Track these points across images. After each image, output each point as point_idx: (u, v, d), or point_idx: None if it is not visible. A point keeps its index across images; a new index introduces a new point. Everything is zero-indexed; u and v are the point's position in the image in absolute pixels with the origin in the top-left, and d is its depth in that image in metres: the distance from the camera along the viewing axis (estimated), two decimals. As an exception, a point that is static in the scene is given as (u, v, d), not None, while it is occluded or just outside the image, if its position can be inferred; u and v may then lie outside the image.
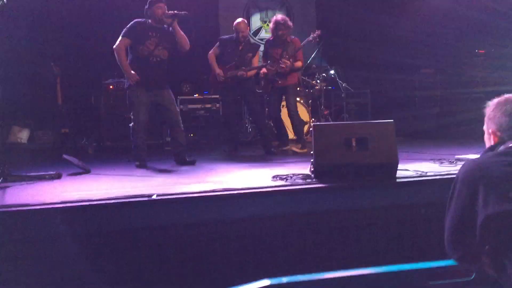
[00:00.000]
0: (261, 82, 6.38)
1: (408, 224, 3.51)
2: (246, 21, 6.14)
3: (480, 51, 8.25)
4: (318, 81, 7.43)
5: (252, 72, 6.06)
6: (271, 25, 6.09)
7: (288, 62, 5.83)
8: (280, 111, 6.30)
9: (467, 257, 1.74)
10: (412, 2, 8.47)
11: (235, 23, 6.02)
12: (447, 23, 8.30)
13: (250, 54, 6.07)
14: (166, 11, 4.85)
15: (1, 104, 4.15)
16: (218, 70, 5.95)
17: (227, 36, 6.22)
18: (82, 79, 7.41)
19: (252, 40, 6.43)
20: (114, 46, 4.86)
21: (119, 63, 4.88)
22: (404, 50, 8.50)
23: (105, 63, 7.12)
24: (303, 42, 6.03)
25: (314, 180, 3.68)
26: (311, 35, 6.03)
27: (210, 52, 6.10)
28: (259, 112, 6.26)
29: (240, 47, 6.01)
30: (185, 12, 4.85)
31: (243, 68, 5.93)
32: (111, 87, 6.99)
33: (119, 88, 6.88)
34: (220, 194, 3.38)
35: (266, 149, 6.03)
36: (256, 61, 6.19)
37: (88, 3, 7.45)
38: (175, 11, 4.82)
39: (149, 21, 4.93)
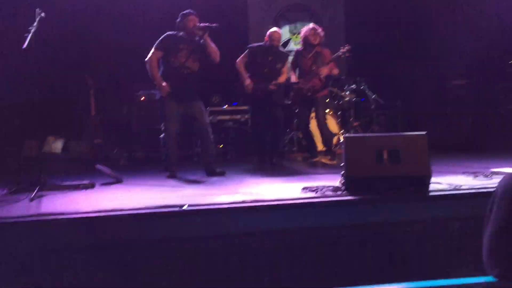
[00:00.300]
0: (290, 94, 6.34)
1: (441, 239, 3.44)
2: (280, 32, 6.04)
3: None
4: (347, 92, 7.38)
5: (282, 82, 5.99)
6: (301, 34, 6.06)
7: (326, 69, 5.85)
8: (309, 122, 6.28)
9: (507, 273, 1.69)
10: (443, 14, 8.36)
11: (269, 31, 5.90)
12: (479, 33, 8.15)
13: (280, 64, 5.96)
14: (198, 23, 4.92)
15: (37, 115, 4.25)
16: (247, 81, 5.82)
17: (256, 45, 6.07)
18: (114, 91, 7.57)
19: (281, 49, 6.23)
20: (146, 59, 4.95)
21: (150, 75, 4.97)
22: (435, 61, 8.38)
23: (137, 75, 7.27)
24: (333, 57, 5.96)
25: (344, 192, 3.65)
26: (341, 50, 5.93)
27: (238, 60, 5.95)
28: (281, 125, 6.14)
29: (270, 57, 5.91)
30: (216, 24, 4.91)
31: (274, 82, 5.85)
32: (142, 98, 7.11)
33: (150, 100, 6.99)
34: (250, 206, 3.39)
35: (272, 160, 6.02)
36: (286, 70, 6.09)
37: (120, 17, 7.62)
38: (207, 24, 4.89)
39: (181, 33, 5.01)
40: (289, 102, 6.55)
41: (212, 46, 4.99)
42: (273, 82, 5.83)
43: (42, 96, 4.29)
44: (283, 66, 5.99)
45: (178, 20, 5.00)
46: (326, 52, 5.99)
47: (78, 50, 7.49)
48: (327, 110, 7.29)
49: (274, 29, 5.96)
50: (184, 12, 4.99)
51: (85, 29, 7.48)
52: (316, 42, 5.90)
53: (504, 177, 1.76)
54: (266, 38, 5.88)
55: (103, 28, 7.61)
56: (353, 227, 3.39)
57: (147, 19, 7.50)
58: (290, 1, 9.18)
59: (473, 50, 8.24)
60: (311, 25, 6.11)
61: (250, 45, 6.13)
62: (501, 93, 7.94)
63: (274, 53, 5.91)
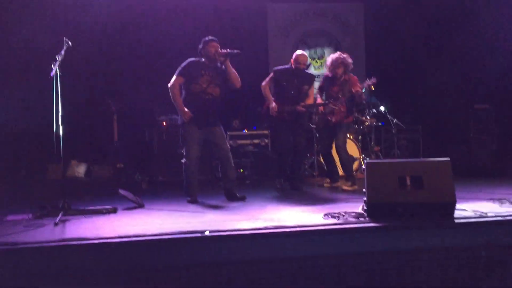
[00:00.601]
0: (314, 118, 6.30)
1: (467, 267, 3.36)
2: (306, 54, 5.91)
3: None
4: (368, 117, 7.37)
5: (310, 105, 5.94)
6: (327, 62, 5.99)
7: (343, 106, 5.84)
8: (331, 147, 6.24)
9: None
10: (464, 39, 8.34)
11: (295, 54, 5.81)
12: (501, 57, 8.10)
13: (307, 86, 5.85)
14: (219, 50, 5.00)
15: (61, 140, 4.34)
16: (272, 104, 5.74)
17: (282, 67, 5.94)
18: (137, 116, 7.69)
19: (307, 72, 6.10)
20: (169, 85, 5.03)
21: (173, 101, 5.04)
22: (457, 85, 8.34)
23: (159, 100, 7.40)
24: (359, 87, 5.80)
25: (367, 219, 3.62)
26: (366, 83, 5.74)
27: (263, 84, 5.90)
28: (303, 149, 6.04)
29: (296, 80, 5.80)
30: (237, 50, 4.98)
31: (303, 104, 5.79)
32: (164, 123, 7.21)
33: (172, 125, 7.09)
34: (272, 232, 3.38)
35: (291, 184, 5.93)
36: (312, 92, 6.00)
37: (143, 44, 7.81)
38: (228, 50, 4.96)
39: (203, 59, 5.09)
40: (313, 127, 6.53)
41: (233, 72, 5.05)
42: (301, 104, 5.77)
43: (66, 120, 4.39)
44: (309, 88, 5.90)
45: (200, 46, 5.09)
46: (354, 79, 5.89)
47: (102, 76, 7.69)
48: (348, 135, 7.29)
49: (299, 52, 5.85)
50: (206, 38, 5.07)
51: (109, 56, 7.69)
52: (344, 69, 5.85)
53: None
54: (291, 60, 5.80)
55: (126, 54, 7.82)
56: (376, 254, 3.35)
57: (168, 45, 7.67)
58: (310, 26, 9.29)
59: (495, 74, 8.18)
60: (337, 53, 6.02)
61: (275, 68, 6.01)
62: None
63: (300, 75, 5.81)
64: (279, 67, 5.98)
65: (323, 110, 6.04)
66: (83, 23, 7.20)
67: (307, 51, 9.26)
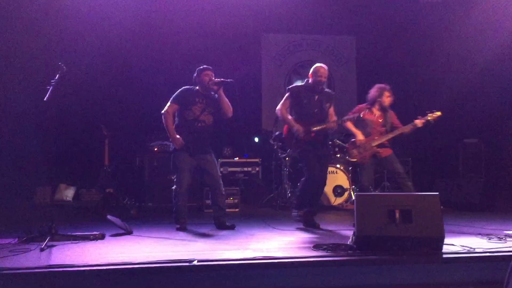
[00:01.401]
0: (352, 151, 5.58)
1: (455, 303, 3.36)
2: (326, 67, 5.28)
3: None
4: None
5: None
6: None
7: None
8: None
9: None
10: (454, 72, 8.51)
11: (315, 66, 5.25)
12: (489, 91, 8.26)
13: (328, 104, 5.33)
14: (213, 78, 5.06)
15: (50, 163, 4.33)
16: (296, 126, 5.18)
17: (299, 85, 5.45)
18: (128, 141, 7.69)
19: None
20: (163, 111, 5.07)
21: (165, 127, 5.06)
22: (447, 119, 8.44)
23: (151, 126, 7.43)
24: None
25: (356, 251, 3.61)
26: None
27: (279, 107, 5.33)
28: (325, 178, 5.39)
29: (317, 96, 5.27)
30: (231, 79, 5.04)
31: (334, 120, 5.27)
32: (155, 149, 7.21)
33: (163, 151, 7.09)
34: (261, 263, 3.36)
35: (307, 219, 5.24)
36: (333, 112, 5.40)
37: (136, 70, 7.87)
38: (222, 79, 5.02)
39: (197, 87, 5.14)
40: (354, 160, 5.71)
41: (226, 100, 5.10)
42: (333, 120, 5.27)
43: (57, 144, 4.38)
44: (330, 106, 5.37)
45: (194, 75, 5.15)
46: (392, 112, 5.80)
47: (95, 101, 7.72)
48: (338, 165, 7.33)
49: (318, 64, 5.28)
50: (200, 67, 5.14)
51: (103, 80, 7.74)
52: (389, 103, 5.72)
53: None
54: (310, 75, 5.27)
55: (119, 79, 7.88)
56: (365, 288, 3.34)
57: (162, 72, 7.75)
58: (303, 57, 9.44)
59: (485, 109, 8.32)
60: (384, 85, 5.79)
61: (291, 86, 5.44)
62: (512, 153, 7.94)
63: (320, 91, 5.27)
64: (296, 85, 5.48)
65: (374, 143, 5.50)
66: (78, 48, 7.27)
67: (300, 82, 9.38)
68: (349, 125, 5.51)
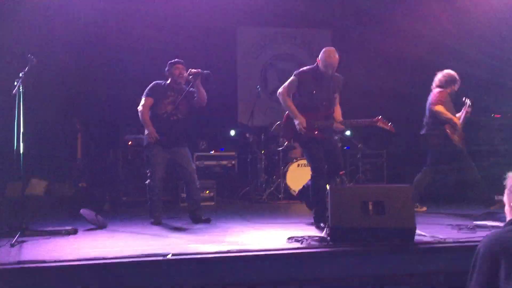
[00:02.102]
0: (453, 136, 5.37)
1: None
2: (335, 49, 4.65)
3: (496, 116, 8.29)
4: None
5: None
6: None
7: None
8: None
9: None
10: (426, 64, 8.62)
11: (326, 52, 4.55)
12: (461, 87, 8.40)
13: (337, 94, 4.78)
14: (191, 70, 5.01)
15: (21, 157, 4.24)
16: (301, 118, 4.55)
17: (307, 68, 4.71)
18: (101, 135, 7.58)
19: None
20: (139, 107, 5.01)
21: (143, 122, 5.00)
22: (420, 111, 8.57)
23: (125, 119, 7.33)
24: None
25: (330, 243, 3.65)
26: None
27: (281, 91, 4.64)
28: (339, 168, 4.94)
29: (326, 83, 4.63)
30: (207, 71, 5.00)
31: (343, 120, 4.74)
32: (130, 143, 7.12)
33: (137, 144, 7.00)
34: (235, 256, 3.36)
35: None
36: (339, 104, 4.86)
37: (110, 63, 7.74)
38: (199, 70, 4.97)
39: (168, 81, 5.10)
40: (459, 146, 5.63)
41: (202, 91, 5.05)
42: (340, 121, 4.72)
43: (28, 137, 4.29)
44: (338, 96, 4.81)
45: (166, 69, 5.11)
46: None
47: (68, 94, 7.56)
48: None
49: (331, 48, 4.65)
50: (171, 61, 5.11)
51: (75, 73, 7.58)
52: None
53: (485, 236, 1.80)
54: (318, 60, 4.58)
55: (92, 72, 7.73)
56: (338, 280, 3.37)
57: (136, 65, 7.62)
58: (279, 50, 9.44)
59: (458, 101, 8.47)
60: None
61: (300, 70, 4.72)
62: (483, 146, 8.10)
63: (331, 77, 4.63)
64: (304, 69, 4.71)
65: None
66: (49, 40, 7.11)
67: (276, 75, 9.39)
68: (442, 109, 5.38)
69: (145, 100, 5.03)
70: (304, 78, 4.61)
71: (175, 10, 7.96)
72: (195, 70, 4.98)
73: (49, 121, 7.27)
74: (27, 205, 4.43)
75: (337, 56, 4.58)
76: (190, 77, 4.99)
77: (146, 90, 5.07)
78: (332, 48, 4.64)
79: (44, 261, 3.14)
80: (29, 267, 3.05)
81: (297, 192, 6.12)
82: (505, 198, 1.93)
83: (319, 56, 4.59)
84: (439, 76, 5.72)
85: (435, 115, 5.52)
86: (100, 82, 7.68)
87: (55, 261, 3.14)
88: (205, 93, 5.07)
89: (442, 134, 5.51)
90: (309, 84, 4.60)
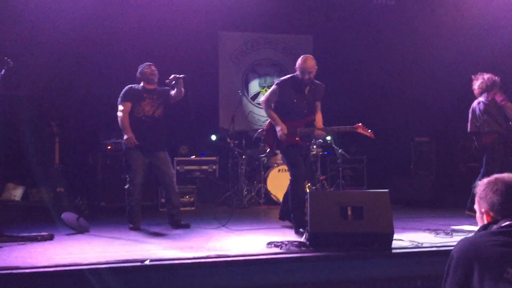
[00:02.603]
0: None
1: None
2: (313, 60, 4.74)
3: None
4: (314, 146, 7.51)
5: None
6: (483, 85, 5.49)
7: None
8: None
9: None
10: (405, 72, 8.75)
11: (302, 60, 4.67)
12: (441, 92, 8.53)
13: (318, 102, 4.89)
14: (155, 72, 5.01)
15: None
16: (282, 126, 4.68)
17: (288, 77, 4.83)
18: (80, 139, 7.49)
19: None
20: (118, 113, 4.95)
21: (122, 127, 4.95)
22: (399, 118, 8.69)
23: (104, 123, 7.25)
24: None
25: (309, 248, 3.65)
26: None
27: (264, 100, 4.86)
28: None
29: (307, 90, 4.78)
30: (183, 75, 4.96)
31: (324, 127, 4.82)
32: (108, 147, 7.04)
33: (116, 149, 6.93)
34: (214, 261, 3.35)
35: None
36: (320, 111, 4.94)
37: (87, 66, 7.64)
38: (174, 75, 4.94)
39: (141, 84, 5.08)
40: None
41: (181, 90, 4.99)
42: (321, 127, 4.81)
43: (4, 142, 4.21)
44: (319, 104, 4.89)
45: (137, 72, 5.10)
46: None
47: (44, 97, 7.45)
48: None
49: (307, 56, 4.76)
50: (142, 64, 5.11)
51: (53, 77, 7.48)
52: None
53: (458, 242, 1.82)
54: (296, 68, 4.74)
55: (70, 76, 7.63)
56: (316, 285, 3.37)
57: (115, 69, 7.54)
58: (260, 56, 9.46)
59: (435, 109, 8.61)
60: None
61: (281, 79, 4.89)
62: (461, 151, 8.24)
63: (311, 83, 4.75)
64: (284, 78, 4.87)
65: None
66: (27, 43, 7.01)
67: (257, 80, 9.41)
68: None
69: (123, 105, 4.98)
70: (285, 87, 4.76)
71: (156, 14, 7.92)
72: (172, 77, 4.91)
73: (25, 125, 7.15)
74: (3, 210, 4.35)
75: (313, 61, 4.69)
76: (173, 82, 4.95)
77: (121, 95, 5.03)
78: (309, 55, 4.78)
79: (18, 267, 3.08)
80: (2, 274, 2.99)
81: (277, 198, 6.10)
82: (476, 206, 1.96)
83: (297, 63, 4.74)
84: (482, 81, 5.58)
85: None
86: (78, 85, 7.59)
87: (29, 267, 3.08)
88: (183, 92, 5.00)
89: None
90: (290, 93, 4.74)
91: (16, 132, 7.00)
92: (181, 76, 4.96)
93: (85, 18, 7.38)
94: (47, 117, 7.05)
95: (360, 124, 4.86)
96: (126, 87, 5.08)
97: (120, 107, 4.98)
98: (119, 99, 5.02)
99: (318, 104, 4.90)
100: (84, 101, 7.60)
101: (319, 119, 4.90)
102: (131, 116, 4.99)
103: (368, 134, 4.88)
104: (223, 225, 5.02)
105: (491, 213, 1.86)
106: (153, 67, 5.08)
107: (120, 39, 7.82)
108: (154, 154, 5.00)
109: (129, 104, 4.98)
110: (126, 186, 4.99)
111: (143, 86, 5.07)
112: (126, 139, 4.91)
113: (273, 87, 4.85)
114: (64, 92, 7.55)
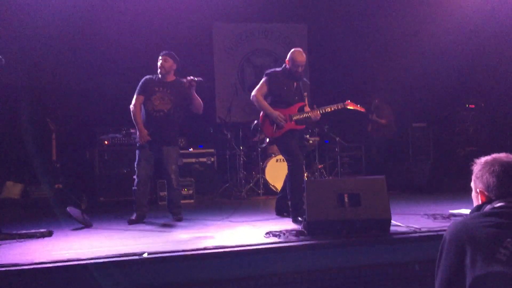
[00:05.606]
0: None
1: (402, 282, 3.47)
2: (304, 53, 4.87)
3: (471, 106, 8.43)
4: (308, 136, 7.50)
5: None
6: None
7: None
8: None
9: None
10: (403, 58, 8.72)
11: (293, 54, 4.78)
12: (437, 77, 8.52)
13: (306, 93, 4.96)
14: (188, 78, 4.92)
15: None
16: (277, 113, 4.76)
17: (277, 70, 4.95)
18: (77, 135, 7.47)
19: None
20: (131, 106, 4.95)
21: (134, 121, 4.95)
22: (396, 104, 8.67)
23: (101, 118, 7.24)
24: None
25: (307, 236, 3.66)
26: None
27: (255, 93, 4.86)
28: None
29: (296, 83, 4.89)
30: (199, 78, 4.92)
31: (318, 108, 4.85)
32: (106, 142, 7.04)
33: (114, 144, 6.92)
34: (212, 252, 3.35)
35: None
36: (307, 99, 5.01)
37: (86, 61, 7.62)
38: (191, 78, 4.88)
39: (157, 76, 5.03)
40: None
41: (197, 99, 5.00)
42: (316, 109, 4.85)
43: (2, 140, 4.20)
44: (307, 96, 4.99)
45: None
46: None
47: (40, 94, 7.43)
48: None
49: (297, 49, 4.86)
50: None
51: (49, 73, 7.45)
52: None
53: (451, 223, 1.82)
54: (287, 61, 4.84)
55: (66, 72, 7.60)
56: (316, 272, 3.39)
57: (111, 63, 7.53)
58: (255, 45, 9.43)
59: (432, 95, 8.60)
60: None
61: (269, 71, 4.99)
62: (459, 136, 8.24)
63: (299, 78, 4.89)
64: (274, 69, 4.99)
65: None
66: (20, 39, 6.98)
67: (253, 71, 9.38)
68: None
69: (136, 98, 4.98)
70: (274, 77, 4.87)
71: (150, 6, 7.87)
72: (189, 79, 4.89)
73: (22, 122, 7.15)
74: (2, 208, 4.35)
75: (304, 55, 4.83)
76: (188, 85, 4.91)
77: (138, 87, 5.01)
78: (299, 49, 4.90)
79: (17, 264, 3.08)
80: (2, 271, 3.00)
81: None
82: (472, 184, 1.96)
83: (287, 57, 4.85)
84: None
85: None
86: (73, 81, 7.57)
87: (28, 264, 3.09)
88: (200, 102, 5.03)
89: None
90: (280, 81, 4.85)
91: (13, 130, 7.01)
92: (196, 79, 4.90)
93: (81, 13, 7.35)
94: (43, 114, 7.04)
95: (348, 100, 5.01)
96: (143, 79, 5.03)
97: (133, 100, 4.98)
98: (136, 91, 5.00)
99: (306, 95, 4.98)
100: (79, 97, 7.57)
101: (307, 109, 4.94)
102: (144, 109, 4.98)
103: (358, 109, 5.06)
104: (227, 218, 5.03)
105: (486, 193, 1.86)
106: (161, 60, 5.00)
107: (114, 32, 7.77)
108: (161, 148, 4.97)
109: (141, 97, 4.96)
110: (134, 176, 5.01)
111: (157, 78, 5.03)
112: (139, 136, 4.89)
113: (263, 78, 4.93)
114: (59, 88, 7.53)
